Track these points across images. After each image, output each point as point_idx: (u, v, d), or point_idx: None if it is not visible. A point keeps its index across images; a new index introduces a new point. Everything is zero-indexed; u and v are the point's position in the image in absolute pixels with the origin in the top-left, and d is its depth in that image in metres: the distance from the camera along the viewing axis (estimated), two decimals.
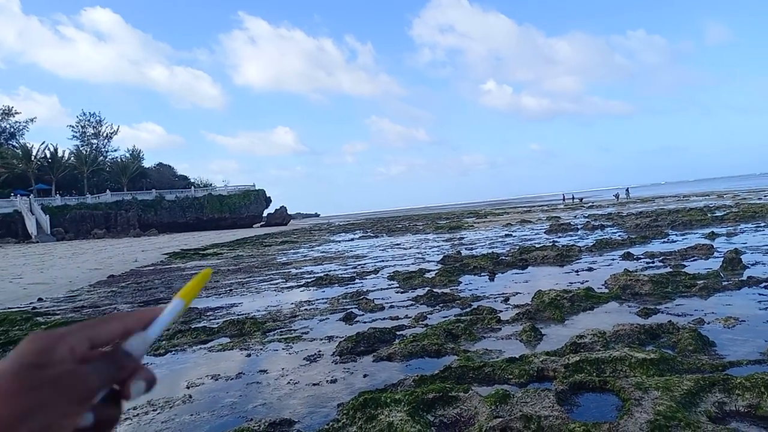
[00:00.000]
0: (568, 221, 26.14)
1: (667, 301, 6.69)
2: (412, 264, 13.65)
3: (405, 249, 19.28)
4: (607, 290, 7.67)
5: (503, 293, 8.27)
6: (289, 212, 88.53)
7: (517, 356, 4.59)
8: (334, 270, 13.69)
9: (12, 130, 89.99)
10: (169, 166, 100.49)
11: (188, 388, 4.84)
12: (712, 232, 14.64)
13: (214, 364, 5.62)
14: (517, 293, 8.18)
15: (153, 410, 4.31)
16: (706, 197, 44.25)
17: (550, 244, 15.18)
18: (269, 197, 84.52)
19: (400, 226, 39.60)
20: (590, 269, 10.08)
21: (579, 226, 22.09)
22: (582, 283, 8.41)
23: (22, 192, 64.69)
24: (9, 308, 10.69)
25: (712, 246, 11.22)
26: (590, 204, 57.16)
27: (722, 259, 8.94)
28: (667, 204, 37.90)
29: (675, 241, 13.67)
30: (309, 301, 9.01)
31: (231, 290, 11.35)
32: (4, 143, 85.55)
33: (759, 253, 10.03)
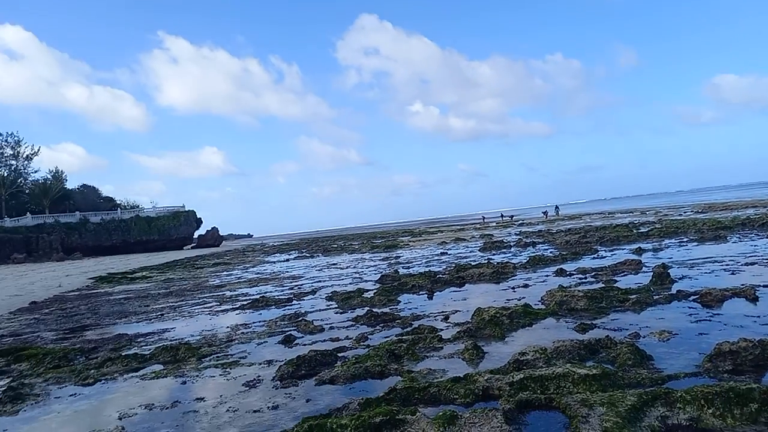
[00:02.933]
0: (501, 239, 26.81)
1: (603, 316, 6.88)
2: (350, 284, 13.50)
3: (342, 269, 19.09)
4: (543, 306, 7.81)
5: (443, 311, 8.27)
6: (221, 233, 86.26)
7: (461, 375, 4.54)
8: (270, 291, 13.33)
9: None
10: (94, 188, 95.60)
11: (120, 419, 4.49)
12: (639, 247, 15.32)
13: (148, 392, 5.27)
14: (456, 311, 8.20)
15: None
16: (630, 214, 46.58)
17: (485, 261, 15.45)
18: (200, 218, 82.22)
19: (336, 245, 39.33)
20: (526, 286, 10.27)
21: (512, 244, 22.66)
22: (519, 300, 8.54)
23: None
24: None
25: (641, 261, 11.70)
26: (521, 222, 59.02)
27: (651, 273, 9.30)
28: (593, 221, 39.63)
29: (605, 257, 14.23)
30: (245, 325, 8.67)
31: (162, 315, 10.78)
32: None
33: (685, 267, 10.53)
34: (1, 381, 6.14)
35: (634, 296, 7.60)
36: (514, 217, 72.78)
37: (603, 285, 9.09)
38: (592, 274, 10.86)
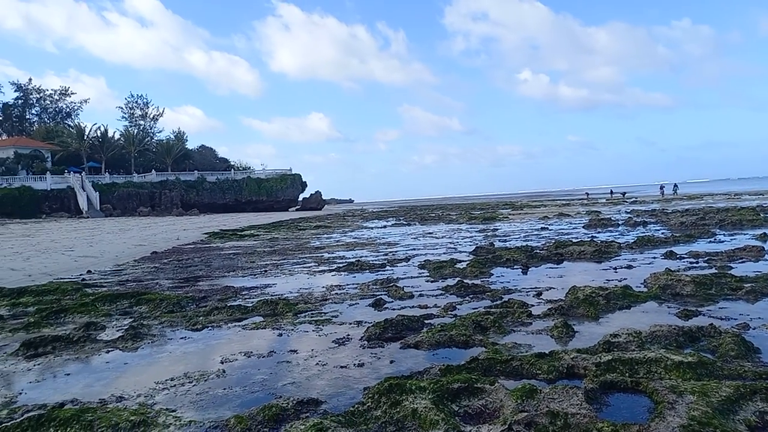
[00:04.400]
0: (608, 216, 25.48)
1: (710, 303, 6.42)
2: (444, 253, 13.54)
3: (437, 238, 19.16)
4: (645, 289, 7.42)
5: (536, 287, 8.11)
6: (323, 197, 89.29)
7: (546, 352, 4.48)
8: (366, 256, 13.71)
9: (68, 109, 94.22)
10: (211, 149, 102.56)
11: (222, 363, 4.93)
12: (765, 233, 14.00)
13: (247, 341, 5.72)
14: (550, 288, 8.01)
15: (189, 382, 4.40)
16: (760, 196, 42.37)
17: (588, 239, 14.83)
18: (305, 182, 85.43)
19: (433, 215, 39.39)
20: (629, 267, 9.78)
21: (620, 222, 21.52)
22: (619, 281, 8.17)
23: (75, 169, 67.53)
24: (61, 278, 11.21)
25: (763, 248, 10.72)
26: (633, 199, 55.63)
27: None
28: (715, 202, 36.54)
29: (722, 242, 13.15)
30: (340, 286, 9.05)
31: (266, 271, 11.51)
32: (60, 122, 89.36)
33: None
34: (125, 321, 6.93)
35: (750, 285, 6.98)
36: (626, 195, 68.80)
37: (715, 271, 8.46)
38: (705, 258, 10.09)
